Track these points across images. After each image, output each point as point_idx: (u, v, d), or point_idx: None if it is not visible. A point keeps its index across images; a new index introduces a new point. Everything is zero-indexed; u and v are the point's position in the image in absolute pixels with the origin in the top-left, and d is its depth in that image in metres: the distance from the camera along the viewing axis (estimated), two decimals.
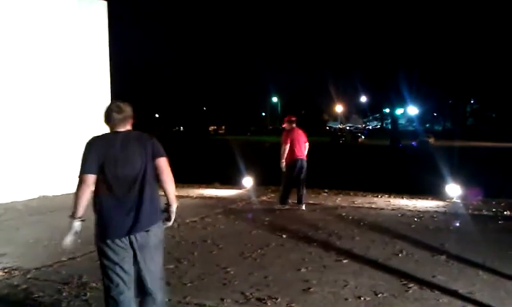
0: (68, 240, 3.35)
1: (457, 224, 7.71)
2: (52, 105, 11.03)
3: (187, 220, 7.93)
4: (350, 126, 71.24)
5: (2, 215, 8.59)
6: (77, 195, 3.26)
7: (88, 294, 4.61)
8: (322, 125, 73.86)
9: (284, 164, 8.81)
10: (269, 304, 4.34)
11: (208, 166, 14.04)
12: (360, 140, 49.12)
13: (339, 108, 69.88)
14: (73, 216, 3.31)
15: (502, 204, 9.28)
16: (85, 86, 11.75)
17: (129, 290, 3.26)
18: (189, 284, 4.88)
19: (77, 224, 3.34)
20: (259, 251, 6.13)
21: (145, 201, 3.24)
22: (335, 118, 78.91)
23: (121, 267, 3.23)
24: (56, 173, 10.90)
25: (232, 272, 5.24)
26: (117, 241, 3.23)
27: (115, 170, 3.22)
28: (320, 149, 28.22)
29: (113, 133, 3.35)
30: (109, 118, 3.35)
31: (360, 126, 74.57)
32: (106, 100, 12.05)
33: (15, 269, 5.39)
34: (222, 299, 4.43)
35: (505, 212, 8.57)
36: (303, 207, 8.91)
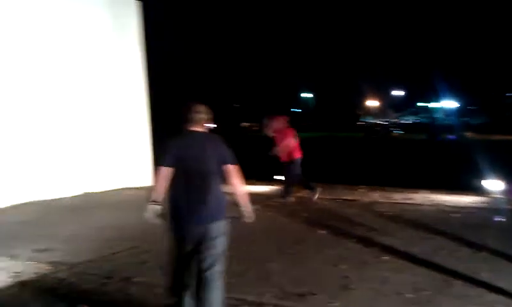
0: (147, 216, 3.73)
1: (498, 220, 7.52)
2: (94, 104, 11.28)
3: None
4: (384, 121, 70.20)
5: (49, 211, 8.86)
6: (155, 183, 3.67)
7: (131, 288, 4.72)
8: (356, 119, 73.00)
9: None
10: (308, 299, 4.35)
11: (250, 163, 14.07)
12: (393, 134, 48.35)
13: (373, 102, 68.88)
14: (150, 200, 3.70)
15: None
16: (123, 86, 11.94)
17: (190, 271, 3.64)
18: (228, 280, 4.93)
19: (151, 207, 3.70)
20: (297, 246, 6.15)
21: (211, 197, 3.61)
22: (368, 112, 77.84)
23: (186, 249, 3.61)
24: (99, 170, 11.18)
25: (270, 268, 5.27)
26: (183, 228, 3.61)
27: (188, 166, 3.58)
28: (355, 145, 27.95)
29: (190, 132, 3.70)
30: (188, 117, 3.69)
31: (394, 120, 73.39)
32: (142, 99, 12.26)
33: (61, 263, 5.56)
34: (262, 294, 4.47)
35: None
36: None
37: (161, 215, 3.72)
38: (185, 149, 3.63)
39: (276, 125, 9.38)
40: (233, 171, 3.72)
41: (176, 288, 3.67)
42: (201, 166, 3.59)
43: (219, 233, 3.68)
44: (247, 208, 3.84)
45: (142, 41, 12.44)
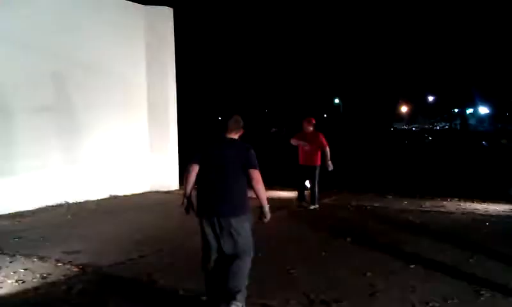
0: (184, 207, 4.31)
1: None
2: (123, 108, 11.48)
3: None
4: (415, 127, 69.04)
5: (77, 213, 9.05)
6: (185, 179, 4.27)
7: (158, 291, 4.76)
8: (387, 125, 72.03)
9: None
10: (333, 306, 4.30)
11: (277, 169, 14.01)
12: (426, 141, 47.50)
13: (404, 108, 67.99)
14: (184, 195, 4.26)
15: None
16: (154, 89, 12.13)
17: (215, 254, 4.19)
18: (253, 285, 4.92)
19: (186, 200, 4.26)
20: (323, 253, 6.10)
21: (232, 196, 4.11)
22: (399, 118, 76.77)
23: (211, 236, 4.14)
24: (125, 173, 11.37)
25: (295, 274, 5.25)
26: (208, 218, 4.13)
27: (214, 165, 4.14)
28: (385, 151, 27.57)
29: (222, 137, 4.25)
30: (223, 125, 4.27)
31: (426, 126, 72.12)
32: (172, 104, 12.38)
33: (89, 265, 5.66)
34: (287, 300, 4.45)
35: None
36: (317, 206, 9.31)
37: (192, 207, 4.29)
38: (212, 151, 4.20)
39: (305, 129, 9.21)
40: (254, 175, 4.10)
41: (206, 269, 4.26)
42: (224, 167, 4.11)
43: (240, 226, 4.13)
44: (265, 208, 4.24)
45: (173, 47, 12.58)
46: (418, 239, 6.75)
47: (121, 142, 11.40)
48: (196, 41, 37.01)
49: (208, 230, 4.13)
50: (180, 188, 12.01)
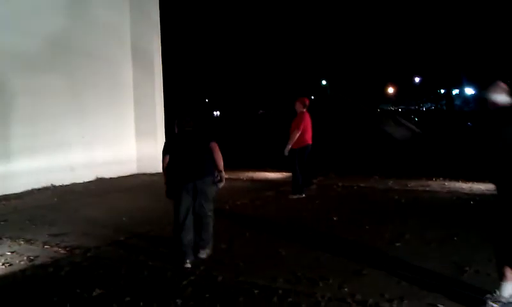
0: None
1: None
2: (110, 91, 11.41)
3: (238, 202, 8.04)
4: (402, 108, 69.37)
5: (63, 196, 9.00)
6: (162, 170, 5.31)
7: (145, 272, 4.78)
8: (374, 106, 72.22)
9: (289, 149, 8.39)
10: (320, 284, 4.35)
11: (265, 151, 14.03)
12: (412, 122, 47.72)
13: (391, 89, 68.10)
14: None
15: None
16: (140, 73, 12.04)
17: (188, 217, 5.08)
18: (241, 264, 4.97)
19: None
20: (310, 233, 6.15)
21: (201, 165, 5.12)
22: (386, 99, 76.96)
23: (188, 200, 5.10)
24: (112, 156, 11.31)
25: (283, 253, 5.28)
26: (185, 184, 5.09)
27: (183, 149, 5.17)
28: (371, 133, 27.69)
29: (183, 131, 5.27)
30: (180, 124, 5.30)
31: (412, 107, 72.49)
32: (158, 88, 12.30)
33: (76, 248, 5.66)
34: (274, 279, 4.49)
35: None
36: (313, 186, 9.16)
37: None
38: (178, 142, 5.25)
39: (297, 108, 8.58)
40: (214, 147, 5.15)
41: (178, 232, 5.08)
42: (190, 149, 5.16)
43: (206, 186, 5.13)
44: (222, 173, 5.17)
45: (159, 28, 12.45)
46: (403, 218, 6.83)
47: (107, 125, 11.33)
48: (183, 24, 36.60)
49: (185, 196, 5.05)
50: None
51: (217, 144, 5.21)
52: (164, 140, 5.66)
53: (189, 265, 4.90)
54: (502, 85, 3.73)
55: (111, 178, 10.98)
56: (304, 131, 8.41)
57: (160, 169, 11.54)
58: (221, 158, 5.19)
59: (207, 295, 4.15)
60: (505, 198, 3.65)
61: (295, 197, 8.44)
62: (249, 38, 48.84)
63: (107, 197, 8.92)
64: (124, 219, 7.07)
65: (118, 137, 11.59)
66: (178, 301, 4.05)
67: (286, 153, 8.42)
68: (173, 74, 22.04)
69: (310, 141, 8.54)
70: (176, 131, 5.38)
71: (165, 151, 5.27)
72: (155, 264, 5.00)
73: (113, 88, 11.54)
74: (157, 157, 11.97)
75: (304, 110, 8.54)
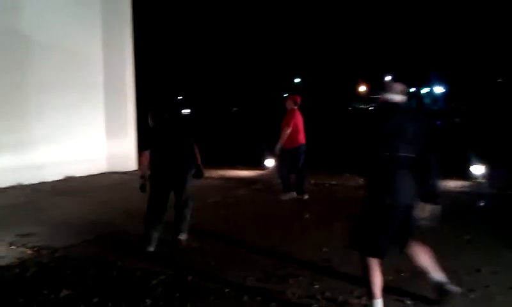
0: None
1: (481, 205, 7.60)
2: (79, 87, 11.19)
3: (210, 201, 8.02)
4: (374, 106, 70.28)
5: (30, 195, 8.82)
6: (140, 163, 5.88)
7: (114, 272, 4.72)
8: (345, 105, 72.98)
9: (279, 148, 8.01)
10: (290, 282, 4.38)
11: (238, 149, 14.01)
12: None
13: (363, 88, 68.92)
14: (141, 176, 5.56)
15: None
16: (110, 69, 11.85)
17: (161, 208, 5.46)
18: (212, 263, 4.96)
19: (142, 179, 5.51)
20: (281, 229, 6.18)
21: (180, 160, 5.45)
22: (358, 97, 77.81)
23: (166, 192, 5.54)
24: (81, 154, 11.12)
25: (253, 251, 5.30)
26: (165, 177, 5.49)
27: (163, 143, 5.45)
28: (344, 131, 27.98)
29: (163, 122, 5.56)
30: (153, 116, 5.56)
31: None
32: (129, 84, 12.13)
33: (43, 248, 5.54)
34: (245, 277, 4.49)
35: None
36: (306, 196, 8.15)
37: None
38: (160, 134, 5.49)
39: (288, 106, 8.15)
40: (192, 142, 5.55)
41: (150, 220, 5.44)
42: (172, 143, 5.46)
43: (187, 178, 5.51)
44: (200, 166, 5.56)
45: (131, 28, 12.27)
46: None
47: (76, 122, 11.12)
48: (156, 21, 36.26)
49: (164, 188, 5.44)
50: (138, 168, 11.89)
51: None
52: (143, 134, 5.74)
53: (152, 249, 5.33)
54: (399, 84, 3.83)
55: (80, 176, 10.79)
56: (296, 130, 7.97)
57: (131, 168, 11.58)
58: (199, 153, 5.55)
59: (177, 295, 4.12)
60: (372, 191, 3.72)
61: (287, 197, 8.10)
62: (222, 36, 48.73)
63: (76, 196, 8.77)
64: (93, 218, 6.97)
65: (87, 135, 11.39)
66: (148, 301, 4.01)
67: (277, 151, 8.07)
68: (145, 71, 21.80)
69: (303, 141, 8.10)
70: (151, 123, 5.54)
71: (145, 146, 5.46)
72: (124, 264, 4.95)
73: (83, 85, 11.33)
74: (127, 156, 11.95)
75: (296, 108, 8.14)
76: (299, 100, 8.24)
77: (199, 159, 5.53)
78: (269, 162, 11.39)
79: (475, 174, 9.63)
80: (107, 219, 6.86)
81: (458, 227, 6.16)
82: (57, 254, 5.35)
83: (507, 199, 8.03)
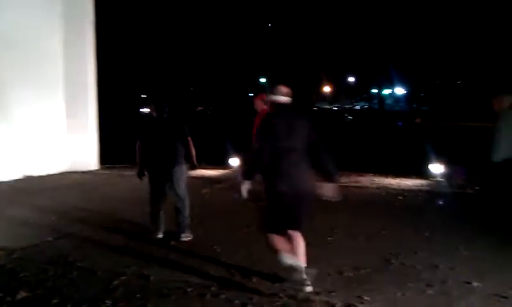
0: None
1: (440, 203, 7.82)
2: (38, 83, 10.89)
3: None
4: (338, 107, 71.21)
5: None
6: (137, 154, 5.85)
7: (74, 273, 4.63)
8: (311, 105, 73.67)
9: None
10: (254, 280, 4.40)
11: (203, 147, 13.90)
12: (346, 120, 49.15)
13: (327, 88, 69.71)
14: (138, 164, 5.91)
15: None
16: (71, 65, 11.55)
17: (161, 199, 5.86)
18: (175, 262, 4.93)
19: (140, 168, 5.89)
20: (245, 229, 6.18)
21: (174, 156, 5.73)
22: (323, 98, 78.67)
23: (162, 185, 5.83)
24: (41, 153, 10.82)
25: (218, 250, 5.29)
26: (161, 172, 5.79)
27: (158, 138, 5.73)
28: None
29: (158, 116, 5.82)
30: (157, 109, 5.83)
31: (347, 106, 74.60)
32: (91, 81, 11.87)
33: (1, 249, 5.37)
34: (208, 276, 4.48)
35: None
36: None
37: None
38: (155, 127, 5.82)
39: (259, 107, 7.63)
40: (190, 141, 5.80)
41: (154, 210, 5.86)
42: (166, 138, 5.72)
43: (180, 173, 5.75)
44: (194, 161, 5.87)
45: (92, 23, 12.00)
46: (334, 213, 6.99)
47: (35, 120, 10.81)
48: (118, 17, 35.67)
49: (160, 181, 5.74)
50: (100, 168, 11.68)
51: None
52: (140, 126, 6.01)
53: (161, 235, 5.78)
54: (284, 87, 4.33)
55: (39, 176, 10.50)
56: None
57: (92, 167, 11.36)
58: (193, 149, 5.87)
59: (138, 295, 4.08)
60: (268, 181, 4.20)
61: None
62: (186, 34, 48.37)
63: (35, 196, 8.53)
64: (53, 218, 6.80)
65: (47, 134, 11.09)
66: (108, 302, 3.96)
67: None
68: (107, 69, 21.42)
69: None
70: (154, 115, 5.87)
71: (140, 138, 5.82)
72: (84, 265, 4.85)
73: (42, 81, 11.00)
74: (89, 155, 11.71)
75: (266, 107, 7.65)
76: (265, 98, 8.05)
77: (193, 156, 5.85)
78: (234, 161, 11.41)
79: (434, 173, 9.90)
80: (67, 219, 6.71)
81: (418, 224, 6.34)
82: (14, 255, 5.19)
83: (465, 197, 8.29)
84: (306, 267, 4.08)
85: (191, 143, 5.83)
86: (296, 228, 4.18)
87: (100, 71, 12.29)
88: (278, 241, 4.15)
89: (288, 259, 4.09)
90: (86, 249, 5.38)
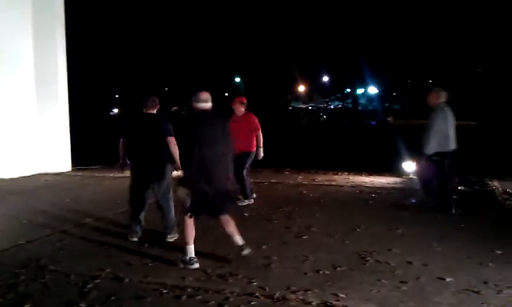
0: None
1: (413, 200, 7.94)
2: (8, 83, 10.64)
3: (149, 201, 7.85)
4: (312, 106, 71.70)
5: None
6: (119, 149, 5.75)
7: (46, 277, 4.53)
8: (286, 104, 74.00)
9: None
10: (230, 280, 4.39)
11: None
12: (321, 119, 49.58)
13: (301, 88, 70.14)
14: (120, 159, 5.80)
15: (457, 179, 9.60)
16: (41, 63, 11.30)
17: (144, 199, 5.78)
18: (150, 264, 4.88)
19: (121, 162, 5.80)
20: (221, 229, 6.14)
21: (156, 159, 5.59)
22: (297, 97, 79.15)
23: (143, 187, 5.74)
24: (10, 154, 10.57)
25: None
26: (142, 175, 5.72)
27: (139, 136, 5.61)
28: (284, 129, 28.40)
29: (144, 113, 5.72)
30: (144, 104, 5.70)
31: (321, 105, 75.18)
32: (62, 81, 11.64)
33: None
34: (183, 278, 4.45)
35: (459, 187, 8.89)
36: (251, 200, 7.76)
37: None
38: (137, 126, 5.68)
39: (238, 111, 7.67)
40: (170, 141, 5.51)
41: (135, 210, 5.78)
42: (148, 138, 5.57)
43: (164, 177, 5.64)
44: (177, 163, 5.43)
45: (63, 23, 11.77)
46: (310, 211, 7.07)
47: (5, 121, 10.56)
48: (89, 16, 35.13)
49: (143, 180, 5.63)
50: (72, 169, 11.48)
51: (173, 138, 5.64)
52: (125, 122, 5.83)
53: (136, 239, 5.65)
54: (205, 93, 4.77)
55: (10, 178, 10.26)
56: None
57: (65, 169, 11.16)
58: (177, 151, 5.55)
59: (112, 298, 4.02)
60: (195, 179, 4.63)
61: (244, 203, 7.55)
62: (160, 34, 48.00)
63: (5, 199, 8.32)
64: (24, 221, 6.65)
65: (17, 135, 10.83)
66: (82, 305, 3.89)
67: (259, 156, 7.74)
68: (79, 69, 21.08)
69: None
70: (144, 110, 5.73)
71: (123, 134, 5.70)
72: (57, 268, 4.76)
73: (12, 81, 10.75)
74: (61, 156, 11.48)
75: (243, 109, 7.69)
76: (245, 100, 7.84)
77: (176, 157, 5.53)
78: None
79: (406, 171, 10.04)
80: (38, 222, 6.57)
81: (391, 221, 6.42)
82: None
83: (437, 194, 8.42)
84: (243, 244, 4.88)
85: (174, 143, 5.56)
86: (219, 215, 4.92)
87: (72, 70, 12.07)
88: (190, 228, 4.82)
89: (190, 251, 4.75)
90: (58, 252, 5.29)
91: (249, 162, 7.71)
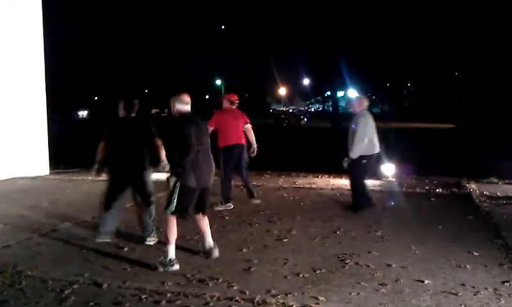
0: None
1: (392, 202, 8.02)
2: None
3: (128, 204, 7.78)
4: (293, 109, 71.96)
5: None
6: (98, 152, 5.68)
7: (23, 283, 4.45)
8: (266, 107, 74.18)
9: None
10: (210, 285, 4.37)
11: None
12: (302, 122, 49.80)
13: (282, 90, 70.43)
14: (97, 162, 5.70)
15: (434, 182, 9.75)
16: (17, 63, 11.10)
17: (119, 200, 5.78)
18: (129, 269, 4.83)
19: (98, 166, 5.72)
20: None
21: (138, 160, 5.64)
22: (278, 100, 79.45)
23: (124, 188, 5.74)
24: None
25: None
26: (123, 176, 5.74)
27: (122, 138, 5.62)
28: (264, 132, 28.41)
29: (126, 116, 5.71)
30: (126, 107, 5.69)
31: (302, 108, 75.54)
32: (40, 84, 11.46)
33: None
34: (163, 282, 4.42)
35: (437, 189, 9.01)
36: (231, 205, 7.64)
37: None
38: (120, 128, 5.67)
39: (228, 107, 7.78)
40: (157, 143, 5.56)
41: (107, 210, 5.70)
42: (132, 139, 5.60)
43: (145, 180, 5.68)
44: (164, 162, 5.39)
45: (41, 22, 11.60)
46: (291, 214, 7.09)
47: None
48: (70, 17, 34.75)
49: (123, 182, 5.64)
50: (50, 173, 11.31)
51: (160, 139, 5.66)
52: (106, 124, 5.75)
53: (108, 240, 5.62)
54: (187, 96, 4.99)
55: None
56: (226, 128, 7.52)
57: (42, 172, 10.97)
58: (163, 151, 5.55)
59: (91, 304, 3.97)
60: (182, 177, 4.78)
61: (221, 208, 7.45)
62: (140, 37, 47.73)
63: None
64: (0, 226, 6.52)
65: None
66: None
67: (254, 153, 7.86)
68: (57, 69, 20.84)
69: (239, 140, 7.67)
70: (121, 113, 5.70)
71: (104, 137, 5.63)
72: (34, 274, 4.67)
73: None
74: (37, 159, 11.28)
75: (229, 106, 7.75)
76: (235, 98, 7.84)
77: (164, 156, 5.47)
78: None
79: (386, 174, 10.15)
80: (15, 227, 6.46)
81: (371, 224, 6.48)
82: None
83: (416, 196, 8.54)
84: (214, 246, 5.14)
85: (161, 144, 5.55)
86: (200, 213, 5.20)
87: (50, 71, 11.90)
88: (173, 228, 4.90)
89: (171, 251, 4.83)
90: (35, 258, 5.19)
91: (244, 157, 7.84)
